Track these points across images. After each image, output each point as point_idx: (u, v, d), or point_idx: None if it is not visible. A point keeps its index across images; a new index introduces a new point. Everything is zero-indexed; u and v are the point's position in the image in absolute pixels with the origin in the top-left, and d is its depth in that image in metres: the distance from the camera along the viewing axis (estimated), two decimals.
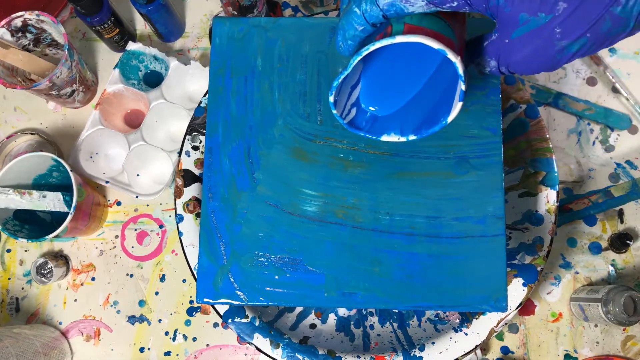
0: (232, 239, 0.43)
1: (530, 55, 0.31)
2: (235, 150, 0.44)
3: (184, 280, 0.61)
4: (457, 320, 0.52)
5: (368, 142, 0.44)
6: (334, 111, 0.37)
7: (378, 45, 0.31)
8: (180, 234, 0.52)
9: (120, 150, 0.64)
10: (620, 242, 0.57)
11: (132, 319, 0.61)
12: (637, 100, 0.60)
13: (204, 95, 0.55)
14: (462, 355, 0.49)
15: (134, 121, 0.66)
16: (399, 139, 0.40)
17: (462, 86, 0.33)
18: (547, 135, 0.52)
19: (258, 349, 0.50)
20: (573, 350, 0.56)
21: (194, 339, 0.60)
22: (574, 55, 0.30)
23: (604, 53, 0.62)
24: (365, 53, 0.32)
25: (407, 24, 0.32)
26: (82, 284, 0.62)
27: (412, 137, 0.40)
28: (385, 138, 0.41)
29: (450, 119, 0.36)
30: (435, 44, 0.31)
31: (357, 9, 0.31)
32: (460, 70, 0.32)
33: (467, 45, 0.35)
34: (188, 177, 0.54)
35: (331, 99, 0.35)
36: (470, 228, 0.43)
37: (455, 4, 0.30)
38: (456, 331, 0.50)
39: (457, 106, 0.35)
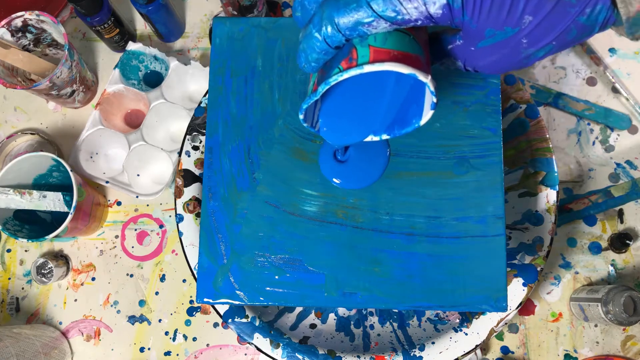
0: (232, 239, 0.43)
1: (497, 62, 0.31)
2: (235, 150, 0.44)
3: (184, 280, 0.61)
4: (457, 320, 0.52)
5: None
6: (305, 124, 0.37)
7: (346, 75, 0.31)
8: (180, 234, 0.52)
9: (120, 150, 0.64)
10: (620, 242, 0.57)
11: (132, 319, 0.61)
12: (637, 100, 0.60)
13: (204, 95, 0.55)
14: (462, 355, 0.49)
15: (134, 121, 0.66)
16: (372, 138, 0.40)
17: (433, 99, 0.33)
18: (547, 135, 0.53)
19: (258, 349, 0.50)
20: (573, 350, 0.56)
21: (194, 339, 0.60)
22: (541, 58, 0.31)
23: (603, 53, 0.62)
24: (333, 83, 0.31)
25: (372, 47, 0.31)
26: (82, 284, 0.62)
27: (385, 137, 0.39)
28: None
29: (422, 122, 0.36)
30: (405, 69, 0.30)
31: (317, 34, 0.30)
32: (432, 87, 0.32)
33: (430, 44, 0.35)
34: (188, 177, 0.54)
35: (301, 116, 0.35)
36: (470, 228, 0.43)
37: (420, 22, 0.29)
38: (456, 331, 0.50)
39: (429, 114, 0.35)
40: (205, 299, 0.43)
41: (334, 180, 0.44)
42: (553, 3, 0.27)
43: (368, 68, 0.30)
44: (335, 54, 0.32)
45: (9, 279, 0.63)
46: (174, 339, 0.60)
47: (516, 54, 0.30)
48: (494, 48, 0.30)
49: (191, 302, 0.61)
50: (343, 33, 0.30)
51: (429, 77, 0.31)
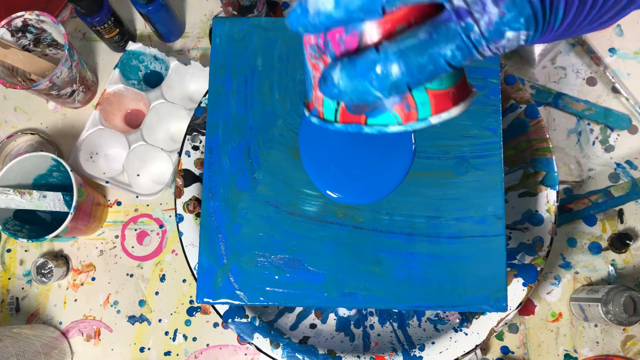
0: (232, 239, 0.43)
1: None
2: (235, 150, 0.44)
3: (184, 280, 0.61)
4: (457, 320, 0.52)
5: None
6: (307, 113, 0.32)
7: (409, 129, 0.27)
8: (180, 234, 0.52)
9: (120, 150, 0.64)
10: (620, 242, 0.57)
11: (132, 319, 0.61)
12: (637, 100, 0.60)
13: (204, 95, 0.55)
14: (462, 355, 0.49)
15: (134, 121, 0.66)
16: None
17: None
18: (547, 135, 0.53)
19: (258, 349, 0.50)
20: (573, 350, 0.56)
21: (194, 339, 0.60)
22: None
23: (604, 53, 0.62)
24: (387, 132, 0.27)
25: (429, 90, 0.27)
26: (82, 284, 0.62)
27: None
28: None
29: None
30: (466, 106, 0.27)
31: (377, 92, 0.24)
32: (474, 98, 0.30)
33: None
34: (188, 177, 0.54)
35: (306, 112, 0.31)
36: (470, 228, 0.43)
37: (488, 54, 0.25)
38: (456, 331, 0.50)
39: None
40: (205, 299, 0.43)
41: (330, 193, 0.43)
42: (611, 14, 0.25)
43: (435, 120, 0.27)
44: None
45: (9, 279, 0.63)
46: (174, 339, 0.60)
47: (556, 39, 0.28)
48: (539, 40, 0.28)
49: (191, 302, 0.61)
50: (408, 86, 0.25)
51: (476, 93, 0.29)
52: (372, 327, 0.54)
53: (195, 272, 0.51)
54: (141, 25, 0.68)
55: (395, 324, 0.54)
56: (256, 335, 0.50)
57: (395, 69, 0.24)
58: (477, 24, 0.22)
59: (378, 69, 0.24)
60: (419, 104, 0.27)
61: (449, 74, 0.27)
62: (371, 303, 0.42)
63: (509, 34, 0.23)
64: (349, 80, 0.25)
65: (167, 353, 0.60)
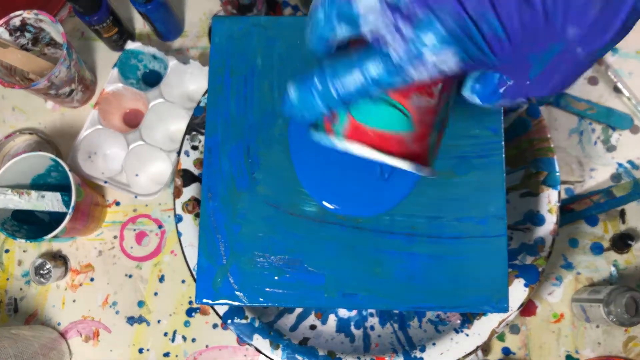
0: (231, 239, 0.43)
1: (562, 81, 0.27)
2: (234, 150, 0.44)
3: (183, 281, 0.61)
4: (458, 321, 0.51)
5: None
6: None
7: (318, 139, 0.30)
8: (179, 234, 0.52)
9: (119, 150, 0.63)
10: (622, 242, 0.57)
11: (131, 320, 0.60)
12: (639, 100, 0.60)
13: (203, 95, 0.55)
14: (463, 356, 0.49)
15: (132, 121, 0.65)
16: None
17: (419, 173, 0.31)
18: (549, 135, 0.52)
19: (258, 350, 0.50)
20: (574, 351, 0.56)
21: (193, 340, 0.59)
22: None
23: None
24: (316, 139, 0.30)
25: (352, 118, 0.28)
26: (80, 285, 0.62)
27: None
28: None
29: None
30: (377, 156, 0.28)
31: (319, 101, 0.28)
32: (414, 171, 0.29)
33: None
34: (187, 177, 0.53)
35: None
36: (472, 228, 0.42)
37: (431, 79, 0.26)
38: (457, 332, 0.50)
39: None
40: (205, 300, 0.42)
41: (326, 204, 0.42)
42: (600, 5, 0.23)
43: (340, 145, 0.29)
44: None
45: (7, 279, 0.62)
46: (173, 340, 0.60)
47: (578, 65, 0.26)
48: (549, 71, 0.26)
49: (190, 302, 0.60)
50: (342, 99, 0.28)
51: (408, 162, 0.29)
52: (372, 328, 0.54)
53: (194, 273, 0.51)
54: (140, 24, 0.68)
55: (395, 325, 0.53)
56: (256, 336, 0.50)
57: (329, 83, 0.27)
58: (394, 48, 0.25)
59: (316, 81, 0.28)
60: (338, 124, 0.29)
61: (380, 108, 0.28)
62: (371, 304, 0.42)
63: (429, 56, 0.25)
64: (297, 92, 0.29)
65: (166, 354, 0.59)
